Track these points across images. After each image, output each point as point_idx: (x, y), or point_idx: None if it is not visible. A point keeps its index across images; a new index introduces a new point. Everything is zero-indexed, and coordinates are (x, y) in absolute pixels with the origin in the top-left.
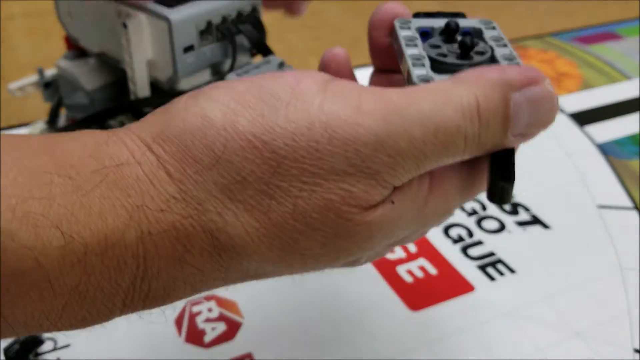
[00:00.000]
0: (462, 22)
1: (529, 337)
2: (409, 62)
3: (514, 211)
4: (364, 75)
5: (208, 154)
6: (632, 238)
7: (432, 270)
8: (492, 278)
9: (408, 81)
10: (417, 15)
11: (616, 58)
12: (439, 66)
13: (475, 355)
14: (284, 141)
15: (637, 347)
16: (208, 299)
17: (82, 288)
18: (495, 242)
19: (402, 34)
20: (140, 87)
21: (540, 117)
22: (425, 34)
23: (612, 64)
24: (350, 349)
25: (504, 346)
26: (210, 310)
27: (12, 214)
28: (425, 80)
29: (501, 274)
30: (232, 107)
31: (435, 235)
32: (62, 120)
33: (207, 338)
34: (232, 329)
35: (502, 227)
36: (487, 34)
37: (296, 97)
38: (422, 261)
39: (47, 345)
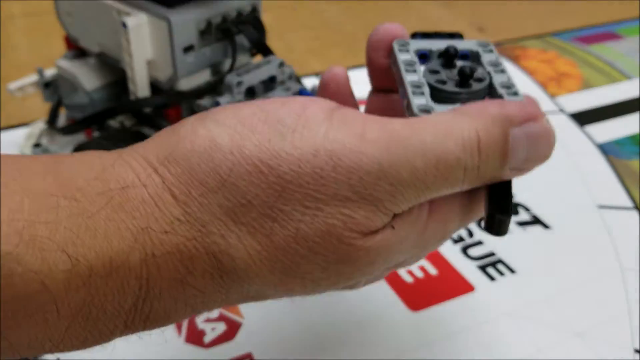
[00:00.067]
0: (460, 45)
1: (529, 337)
2: (409, 90)
3: (515, 211)
4: (363, 75)
5: (214, 177)
6: (632, 238)
7: (432, 271)
8: (492, 278)
9: (408, 109)
10: (415, 35)
11: (616, 58)
12: (438, 94)
13: (475, 355)
14: (289, 167)
15: (637, 347)
16: None
17: (85, 310)
18: (495, 242)
19: (401, 57)
20: (140, 87)
21: (537, 152)
22: (423, 56)
23: (612, 64)
24: (351, 349)
25: (504, 346)
26: None
27: (19, 237)
28: (426, 110)
29: (501, 274)
30: (239, 131)
31: None
32: (61, 120)
33: (207, 338)
34: (232, 329)
35: None
36: (485, 57)
37: (302, 124)
38: (422, 261)
39: None
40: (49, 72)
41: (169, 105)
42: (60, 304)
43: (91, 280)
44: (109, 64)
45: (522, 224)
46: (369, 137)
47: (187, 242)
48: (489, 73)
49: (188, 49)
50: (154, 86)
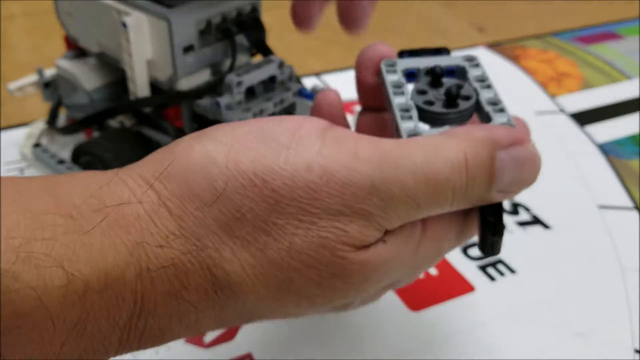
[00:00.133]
0: (446, 61)
1: (529, 338)
2: (397, 114)
3: (515, 211)
4: None
5: (209, 191)
6: (633, 238)
7: (432, 271)
8: (492, 278)
9: (397, 132)
10: (402, 54)
11: (616, 58)
12: (426, 115)
13: (475, 355)
14: (283, 181)
15: (638, 348)
16: None
17: (80, 326)
18: None
19: (389, 79)
20: (140, 87)
21: (523, 175)
22: (411, 74)
23: (613, 64)
24: (351, 349)
25: (504, 346)
26: None
27: (15, 255)
28: (414, 134)
29: (501, 274)
30: (235, 147)
31: None
32: (61, 120)
33: (207, 338)
34: (232, 329)
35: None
36: (471, 73)
37: (296, 141)
38: None
39: None
40: (49, 72)
41: (168, 105)
42: (56, 319)
43: (87, 295)
44: (109, 64)
45: (522, 224)
46: (361, 156)
47: (182, 255)
48: (475, 90)
49: (188, 48)
50: (154, 86)
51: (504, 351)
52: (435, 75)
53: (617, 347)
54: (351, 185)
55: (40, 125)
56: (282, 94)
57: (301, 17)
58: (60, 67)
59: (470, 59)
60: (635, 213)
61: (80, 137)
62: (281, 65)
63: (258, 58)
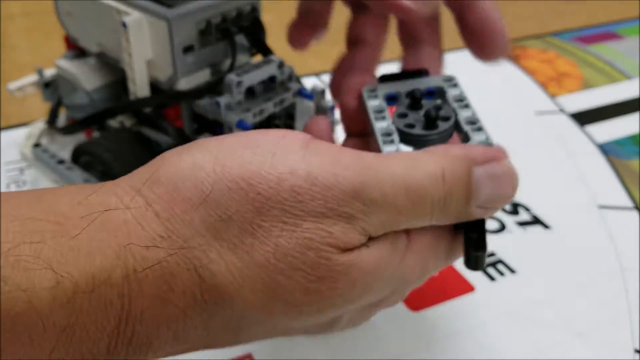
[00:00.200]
0: (425, 83)
1: (529, 338)
2: (379, 138)
3: (515, 211)
4: None
5: (196, 193)
6: (633, 238)
7: None
8: (492, 278)
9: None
10: (382, 79)
11: (616, 58)
12: (408, 137)
13: (475, 356)
14: (268, 184)
15: (638, 348)
16: None
17: (69, 331)
18: (495, 242)
19: (371, 104)
20: (140, 87)
21: (500, 191)
22: (392, 97)
23: (613, 64)
24: (351, 349)
25: (504, 346)
26: None
27: (4, 259)
28: None
29: (501, 274)
30: (222, 154)
31: None
32: (61, 120)
33: None
34: None
35: (502, 227)
36: (450, 93)
37: (281, 149)
38: None
39: None
40: (49, 72)
41: (168, 105)
42: (46, 321)
43: (75, 297)
44: (109, 64)
45: (522, 224)
46: (344, 163)
47: (168, 257)
48: (454, 110)
49: (188, 48)
50: (154, 86)
51: (504, 351)
52: (414, 99)
53: (617, 347)
54: (334, 189)
55: (40, 125)
56: (281, 94)
57: (295, 42)
58: (60, 67)
59: (449, 79)
60: (635, 213)
61: (80, 137)
62: (281, 65)
63: (258, 58)
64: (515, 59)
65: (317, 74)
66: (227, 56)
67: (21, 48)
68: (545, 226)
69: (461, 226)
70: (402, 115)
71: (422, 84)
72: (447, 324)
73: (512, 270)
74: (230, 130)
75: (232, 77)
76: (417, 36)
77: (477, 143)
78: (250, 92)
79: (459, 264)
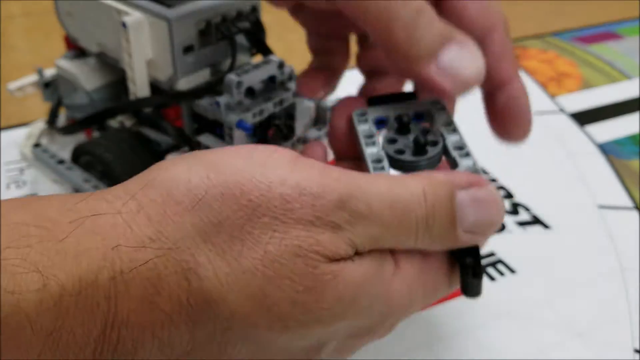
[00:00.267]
0: (414, 107)
1: (529, 338)
2: (370, 165)
3: (515, 211)
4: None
5: (189, 197)
6: (633, 238)
7: None
8: (492, 278)
9: None
10: (371, 101)
11: (616, 58)
12: (397, 163)
13: (475, 355)
14: (259, 192)
15: (638, 348)
16: None
17: (56, 334)
18: (495, 242)
19: (361, 128)
20: (140, 87)
21: (486, 216)
22: (382, 121)
23: (612, 64)
24: None
25: (503, 346)
26: None
27: None
28: None
29: (501, 274)
30: (216, 163)
31: None
32: (61, 120)
33: None
34: None
35: (502, 227)
36: (438, 117)
37: (272, 162)
38: None
39: None
40: (49, 72)
41: (168, 105)
42: (33, 324)
43: (62, 300)
44: (109, 64)
45: (522, 224)
46: (331, 176)
47: (156, 258)
48: (442, 134)
49: (188, 49)
50: (154, 86)
51: (504, 351)
52: (402, 123)
53: (617, 347)
54: (321, 198)
55: (40, 125)
56: (281, 94)
57: (305, 89)
58: (60, 67)
59: (436, 103)
60: (635, 213)
61: (80, 137)
62: (281, 65)
63: (258, 58)
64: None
65: None
66: (227, 56)
67: (21, 48)
68: (545, 226)
69: (457, 254)
70: (392, 141)
71: (410, 107)
72: (447, 324)
73: (512, 270)
74: (230, 130)
75: (232, 77)
76: (382, 67)
77: (464, 168)
78: (250, 92)
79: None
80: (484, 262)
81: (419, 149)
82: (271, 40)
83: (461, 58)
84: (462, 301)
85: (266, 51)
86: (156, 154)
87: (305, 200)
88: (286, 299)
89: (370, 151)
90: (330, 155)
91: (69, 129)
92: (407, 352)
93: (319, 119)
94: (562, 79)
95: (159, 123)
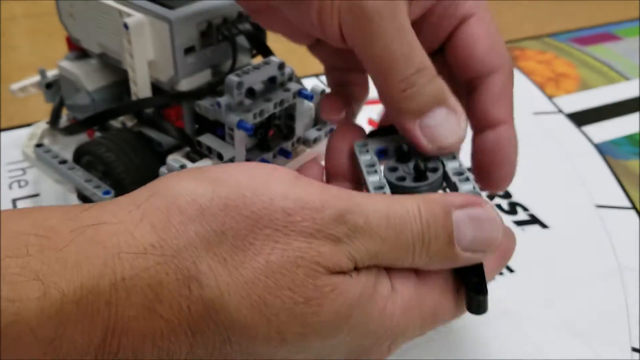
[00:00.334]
0: None
1: (528, 337)
2: (372, 191)
3: (513, 211)
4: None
5: (194, 206)
6: (630, 237)
7: None
8: None
9: None
10: (372, 134)
11: (614, 59)
12: (399, 190)
13: (474, 355)
14: (262, 204)
15: (635, 346)
16: None
17: (57, 343)
18: None
19: (362, 158)
20: (142, 88)
21: (484, 234)
22: (382, 152)
23: (610, 65)
24: None
25: (502, 345)
26: None
27: None
28: None
29: (500, 273)
30: (221, 176)
31: None
32: (63, 121)
33: None
34: None
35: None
36: None
37: (273, 178)
38: None
39: None
40: (51, 73)
41: (169, 105)
42: (35, 333)
43: (63, 307)
44: (111, 65)
45: (520, 223)
46: (331, 192)
47: (157, 265)
48: (441, 161)
49: (189, 50)
50: (155, 87)
51: (503, 350)
52: (402, 153)
53: (615, 346)
54: (322, 212)
55: (42, 125)
56: (282, 95)
57: (327, 113)
58: (63, 68)
59: None
60: (632, 212)
61: (82, 138)
62: (281, 66)
63: (258, 59)
64: (513, 60)
65: (317, 75)
66: (228, 57)
67: (23, 49)
68: (543, 225)
69: (460, 272)
70: (393, 169)
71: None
72: (446, 324)
73: (510, 270)
74: (231, 131)
75: (232, 78)
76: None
77: (464, 192)
78: (251, 93)
79: None
80: None
81: (420, 175)
82: (271, 42)
83: (445, 125)
84: None
85: (266, 52)
86: (157, 154)
87: (307, 213)
88: (286, 310)
89: (373, 179)
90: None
91: (71, 129)
92: (405, 352)
93: (319, 120)
94: (560, 79)
95: (160, 123)
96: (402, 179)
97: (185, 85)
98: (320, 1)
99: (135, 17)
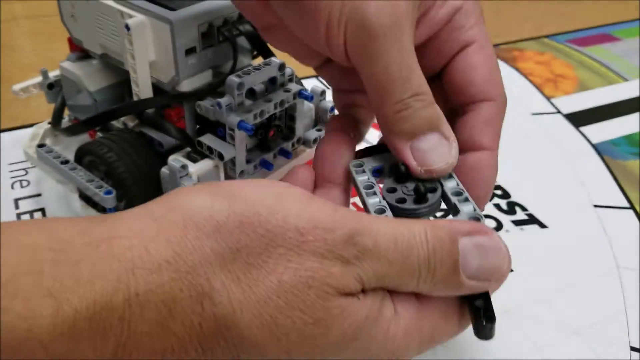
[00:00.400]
0: None
1: (527, 336)
2: (373, 215)
3: (511, 210)
4: None
5: (211, 222)
6: (628, 237)
7: None
8: None
9: None
10: (366, 152)
11: (612, 60)
12: (399, 212)
13: (474, 355)
14: (277, 222)
15: (634, 345)
16: None
17: (68, 358)
18: None
19: (360, 179)
20: (143, 89)
21: (490, 262)
22: (377, 171)
23: (608, 66)
24: None
25: (502, 345)
26: None
27: (4, 290)
28: None
29: None
30: (236, 193)
31: None
32: (65, 121)
33: None
34: None
35: (499, 226)
36: None
37: (287, 195)
38: None
39: None
40: (53, 74)
41: (171, 106)
42: (47, 350)
43: (76, 324)
44: (112, 66)
45: (519, 223)
46: (341, 213)
47: (171, 282)
48: (439, 180)
49: (190, 51)
50: (157, 87)
51: (502, 350)
52: (398, 172)
53: (613, 345)
54: (333, 232)
55: (44, 126)
56: (282, 95)
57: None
58: (64, 69)
59: None
60: (630, 212)
61: (84, 138)
62: (282, 67)
63: (259, 60)
64: (511, 61)
65: (317, 76)
66: (229, 58)
67: (25, 50)
68: (542, 225)
69: (466, 297)
70: (392, 190)
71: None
72: None
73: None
74: (232, 131)
75: (233, 79)
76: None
77: (466, 215)
78: (251, 94)
79: None
80: None
81: (420, 197)
82: None
83: (436, 150)
84: None
85: (267, 53)
86: (158, 155)
87: (319, 233)
88: (296, 330)
89: (372, 201)
90: None
91: (73, 129)
92: None
93: (319, 120)
94: (558, 80)
95: (162, 124)
96: (402, 200)
97: (186, 85)
98: (329, 15)
99: (136, 18)
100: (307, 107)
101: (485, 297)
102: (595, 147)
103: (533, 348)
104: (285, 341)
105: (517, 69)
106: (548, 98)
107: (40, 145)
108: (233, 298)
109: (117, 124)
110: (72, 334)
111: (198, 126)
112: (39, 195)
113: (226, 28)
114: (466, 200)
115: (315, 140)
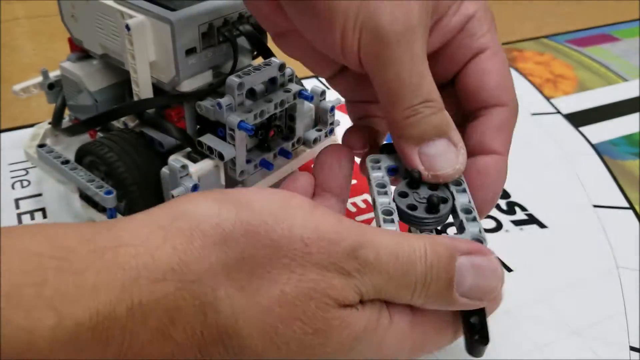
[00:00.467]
0: None
1: (526, 336)
2: (380, 215)
3: (511, 210)
4: None
5: (217, 231)
6: (628, 237)
7: None
8: None
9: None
10: (384, 149)
11: (612, 60)
12: (408, 218)
13: None
14: (282, 232)
15: (634, 345)
16: None
17: None
18: (492, 241)
19: (374, 175)
20: (143, 89)
21: (483, 282)
22: (393, 169)
23: (608, 66)
24: None
25: (501, 344)
26: None
27: (5, 302)
28: None
29: None
30: (242, 202)
31: None
32: (66, 122)
33: None
34: None
35: (499, 226)
36: None
37: (292, 204)
38: None
39: None
40: (53, 74)
41: (171, 106)
42: None
43: (78, 335)
44: (113, 66)
45: (518, 223)
46: (345, 225)
47: (176, 291)
48: (451, 192)
49: (190, 51)
50: (157, 87)
51: (502, 350)
52: (412, 179)
53: (613, 345)
54: (337, 245)
55: (45, 126)
56: (282, 96)
57: (351, 146)
58: (65, 69)
59: None
60: (630, 212)
61: (85, 138)
62: (282, 67)
63: (259, 60)
64: (511, 61)
65: (317, 76)
66: (229, 58)
67: (25, 50)
68: (541, 225)
69: (462, 312)
70: (403, 195)
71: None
72: None
73: (508, 269)
74: (232, 131)
75: (233, 79)
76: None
77: (470, 235)
78: (252, 94)
79: None
80: None
81: (432, 207)
82: (272, 43)
83: (444, 156)
84: None
85: (267, 53)
86: (159, 155)
87: (323, 245)
88: (296, 340)
89: (382, 201)
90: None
91: (73, 129)
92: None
93: (319, 120)
94: (558, 81)
95: (162, 124)
96: (413, 207)
97: (187, 86)
98: (344, 21)
99: (136, 19)
100: (307, 107)
101: (481, 314)
102: (595, 147)
103: (533, 348)
104: (285, 350)
105: (517, 69)
106: (548, 98)
107: (41, 145)
108: (236, 307)
109: (117, 124)
110: (74, 344)
111: (198, 126)
112: (40, 195)
113: (226, 28)
114: (474, 220)
115: (315, 140)
